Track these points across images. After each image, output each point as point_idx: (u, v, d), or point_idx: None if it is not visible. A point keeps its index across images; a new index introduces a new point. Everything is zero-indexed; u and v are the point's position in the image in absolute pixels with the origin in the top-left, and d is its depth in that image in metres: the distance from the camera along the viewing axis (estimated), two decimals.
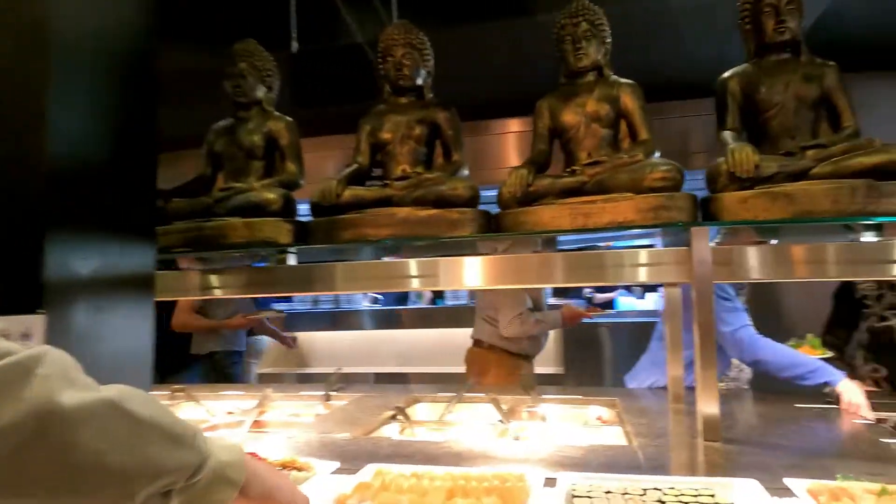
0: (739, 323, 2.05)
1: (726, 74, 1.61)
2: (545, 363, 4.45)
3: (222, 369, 3.38)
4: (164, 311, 3.46)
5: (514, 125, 5.02)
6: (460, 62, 3.86)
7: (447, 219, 1.65)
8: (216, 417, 2.07)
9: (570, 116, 1.77)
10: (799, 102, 1.48)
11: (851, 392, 1.82)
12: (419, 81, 1.97)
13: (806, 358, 1.99)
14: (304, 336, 4.71)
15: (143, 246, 1.22)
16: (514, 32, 3.57)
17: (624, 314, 4.60)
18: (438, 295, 5.17)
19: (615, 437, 1.61)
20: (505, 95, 4.52)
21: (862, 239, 1.50)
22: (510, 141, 5.03)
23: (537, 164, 1.76)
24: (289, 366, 4.98)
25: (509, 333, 2.87)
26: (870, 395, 1.76)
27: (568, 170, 1.67)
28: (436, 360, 4.82)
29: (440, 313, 4.92)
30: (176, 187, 1.93)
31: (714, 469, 1.18)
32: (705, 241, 1.36)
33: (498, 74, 4.20)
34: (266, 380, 4.49)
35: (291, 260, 1.92)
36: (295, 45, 2.87)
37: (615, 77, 1.76)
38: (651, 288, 4.75)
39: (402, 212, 1.69)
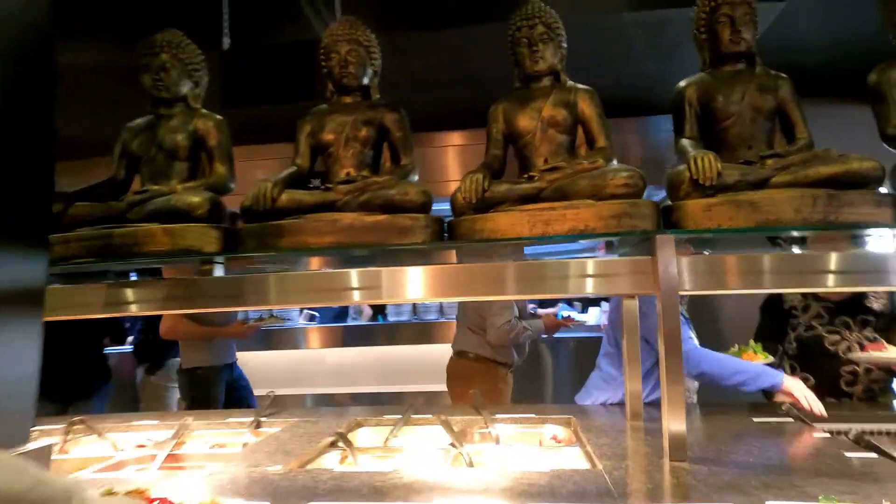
0: (683, 336, 2.05)
1: (682, 83, 1.59)
2: None
3: (207, 387, 2.97)
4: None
5: (456, 138, 4.97)
6: (401, 70, 3.77)
7: (398, 225, 1.52)
8: (123, 452, 1.81)
9: (525, 121, 1.69)
10: (755, 112, 1.47)
11: (797, 388, 1.86)
12: (365, 81, 1.84)
13: (747, 364, 2.04)
14: None
15: (32, 256, 1.00)
16: (458, 42, 3.52)
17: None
18: (380, 311, 4.98)
19: (576, 459, 1.52)
20: (446, 107, 4.47)
21: (795, 251, 1.52)
22: (451, 154, 4.97)
23: (492, 169, 1.67)
24: None
25: (498, 341, 2.81)
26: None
27: (525, 176, 1.58)
28: (379, 380, 4.62)
29: (382, 330, 4.73)
30: (79, 190, 1.68)
31: (689, 493, 1.10)
32: (671, 250, 1.31)
33: (439, 85, 4.14)
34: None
35: (218, 271, 1.72)
36: (227, 42, 2.67)
37: (572, 83, 1.71)
38: (594, 302, 4.78)
39: (348, 218, 1.55)
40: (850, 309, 2.28)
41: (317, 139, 1.80)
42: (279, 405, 2.25)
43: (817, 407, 1.79)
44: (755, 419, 1.70)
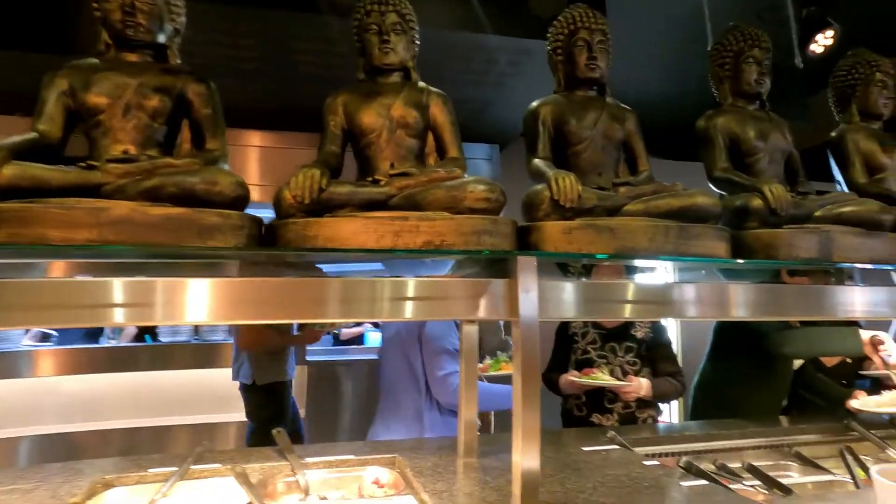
0: (452, 368, 2.13)
1: (536, 103, 1.55)
2: None
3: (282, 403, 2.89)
4: None
5: (256, 138, 4.46)
6: (202, 47, 3.22)
7: (200, 223, 1.14)
8: None
9: (371, 118, 1.46)
10: (606, 140, 1.48)
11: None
12: (161, 38, 1.41)
13: (500, 388, 2.28)
14: None
15: None
16: (271, 28, 3.13)
17: (370, 350, 4.37)
18: (147, 329, 4.11)
19: None
20: (251, 101, 3.98)
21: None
22: (252, 156, 4.44)
23: (330, 167, 1.40)
24: None
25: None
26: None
27: (370, 179, 1.35)
28: (142, 412, 3.76)
29: (149, 353, 3.89)
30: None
31: None
32: (533, 273, 1.20)
33: (245, 75, 3.66)
34: None
35: None
36: None
37: (424, 84, 1.54)
38: None
39: (121, 207, 1.12)
40: (619, 336, 2.51)
41: (79, 101, 1.31)
42: None
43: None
44: (584, 448, 1.69)
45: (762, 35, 1.63)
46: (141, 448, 3.63)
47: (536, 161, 1.46)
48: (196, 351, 3.86)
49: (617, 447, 1.71)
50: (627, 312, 1.24)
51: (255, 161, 4.31)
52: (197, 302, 1.14)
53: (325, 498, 1.53)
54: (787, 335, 2.22)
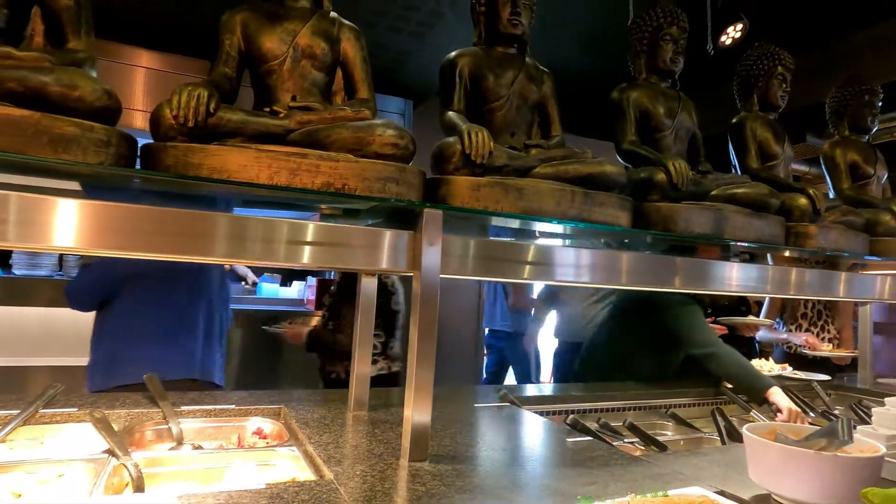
0: None
1: (454, 53, 1.47)
2: None
3: None
4: None
5: (144, 58, 3.97)
6: None
7: (52, 131, 0.96)
8: None
9: (273, 43, 1.31)
10: (522, 101, 1.44)
11: None
12: None
13: None
14: None
15: None
16: None
17: (264, 301, 4.15)
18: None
19: (294, 464, 1.23)
20: (136, 13, 3.52)
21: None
22: (137, 77, 3.96)
23: (221, 89, 1.24)
24: None
25: None
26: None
27: (267, 109, 1.22)
28: None
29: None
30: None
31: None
32: (438, 228, 1.15)
33: None
34: None
35: None
36: None
37: (336, 14, 1.40)
38: (299, 275, 4.45)
39: None
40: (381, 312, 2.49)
41: None
42: None
43: None
44: (475, 405, 1.70)
45: (681, 14, 1.66)
46: None
47: (450, 114, 1.39)
48: (59, 287, 3.45)
49: (508, 404, 1.74)
50: (526, 273, 1.24)
51: (140, 83, 3.85)
52: (54, 224, 0.97)
53: (199, 447, 1.42)
54: (716, 356, 2.19)
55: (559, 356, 3.47)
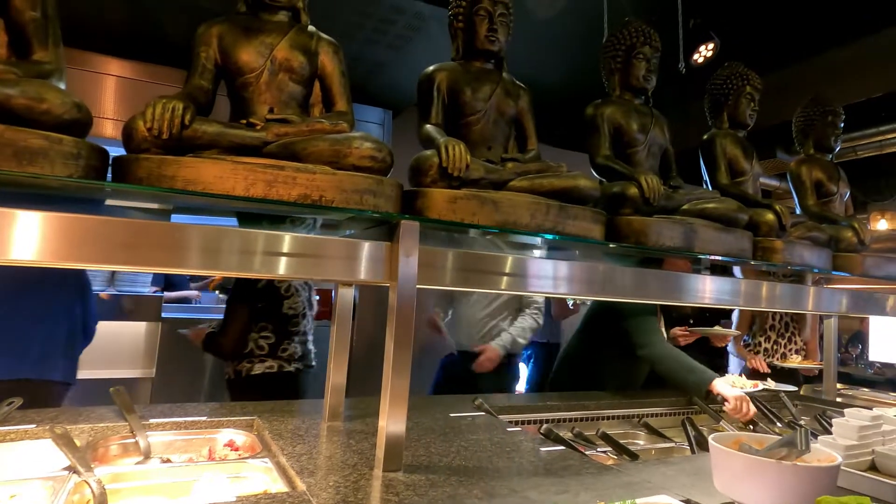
0: None
1: (433, 68, 1.49)
2: (129, 364, 3.53)
3: None
4: None
5: (115, 67, 3.91)
6: None
7: (17, 143, 0.94)
8: None
9: (250, 56, 1.31)
10: (499, 115, 1.47)
11: None
12: None
13: None
14: None
15: None
16: None
17: (207, 310, 4.07)
18: None
19: (266, 476, 1.22)
20: (106, 22, 3.48)
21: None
22: (107, 85, 3.89)
23: (196, 102, 1.23)
24: None
25: None
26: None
27: (244, 122, 1.21)
28: None
29: None
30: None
31: None
32: (415, 239, 1.15)
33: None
34: None
35: None
36: None
37: (314, 28, 1.41)
38: None
39: None
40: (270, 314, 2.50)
41: None
42: None
43: None
44: (451, 414, 1.70)
45: (653, 34, 1.70)
46: None
47: (428, 127, 1.40)
48: None
49: (483, 414, 1.75)
50: (503, 284, 1.25)
51: (111, 92, 3.79)
52: (26, 238, 0.94)
53: (167, 461, 1.39)
54: (652, 355, 2.28)
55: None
